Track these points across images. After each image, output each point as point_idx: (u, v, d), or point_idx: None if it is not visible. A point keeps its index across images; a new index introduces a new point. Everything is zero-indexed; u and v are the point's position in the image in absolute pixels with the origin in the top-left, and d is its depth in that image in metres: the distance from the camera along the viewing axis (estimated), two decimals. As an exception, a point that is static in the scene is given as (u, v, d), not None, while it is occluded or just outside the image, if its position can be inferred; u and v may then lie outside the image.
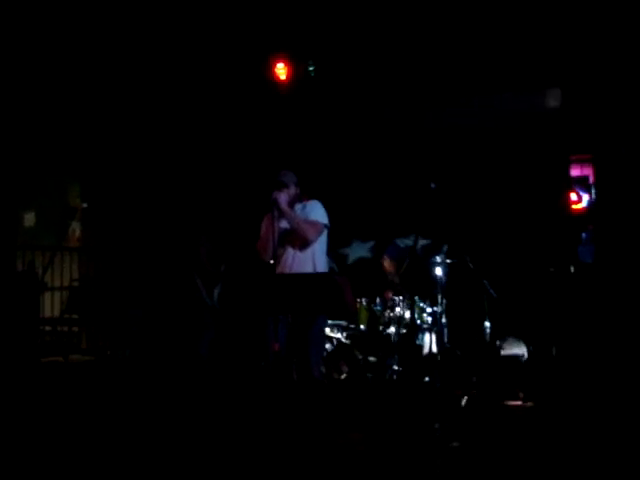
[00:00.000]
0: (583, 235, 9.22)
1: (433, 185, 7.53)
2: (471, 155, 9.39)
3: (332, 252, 7.26)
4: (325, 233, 5.87)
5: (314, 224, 5.74)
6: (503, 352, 7.99)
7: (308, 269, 5.74)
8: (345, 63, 9.29)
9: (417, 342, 7.74)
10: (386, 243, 8.47)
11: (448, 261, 7.78)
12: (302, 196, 5.96)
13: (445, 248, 8.01)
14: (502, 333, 8.03)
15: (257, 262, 5.91)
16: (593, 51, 8.45)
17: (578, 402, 6.79)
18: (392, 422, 6.36)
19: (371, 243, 8.82)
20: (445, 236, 8.16)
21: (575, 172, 9.65)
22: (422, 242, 8.11)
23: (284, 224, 5.72)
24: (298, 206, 5.87)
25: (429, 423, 6.26)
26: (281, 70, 9.34)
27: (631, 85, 8.40)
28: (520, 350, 7.93)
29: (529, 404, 7.04)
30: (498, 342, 7.92)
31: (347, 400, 7.01)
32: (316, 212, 5.81)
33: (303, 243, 5.74)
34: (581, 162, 9.65)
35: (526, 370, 7.69)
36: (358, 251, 8.86)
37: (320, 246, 5.84)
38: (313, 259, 5.77)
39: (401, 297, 7.98)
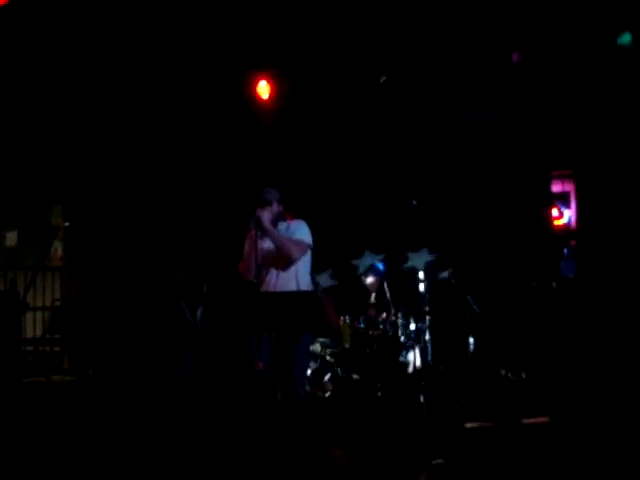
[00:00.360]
0: (565, 250, 9.27)
1: (415, 202, 7.57)
2: (453, 171, 9.45)
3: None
4: (309, 253, 5.85)
5: (298, 243, 5.73)
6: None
7: (292, 288, 5.72)
8: (333, 80, 9.32)
9: (401, 359, 7.75)
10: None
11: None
12: (286, 214, 5.95)
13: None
14: (485, 348, 8.06)
15: (240, 281, 5.89)
16: (572, 69, 8.54)
17: (560, 416, 6.81)
18: (375, 439, 6.35)
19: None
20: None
21: (556, 188, 9.73)
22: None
23: (267, 243, 5.71)
24: (282, 225, 5.86)
25: (412, 440, 6.26)
26: (263, 88, 9.37)
27: (610, 100, 8.50)
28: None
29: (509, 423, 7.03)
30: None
31: (331, 418, 6.99)
32: (300, 232, 5.80)
33: (286, 262, 5.72)
34: (562, 178, 9.73)
35: (510, 387, 7.71)
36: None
37: (304, 265, 5.82)
38: (297, 278, 5.75)
39: (384, 315, 7.99)
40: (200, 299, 8.25)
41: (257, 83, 9.39)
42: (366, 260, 8.70)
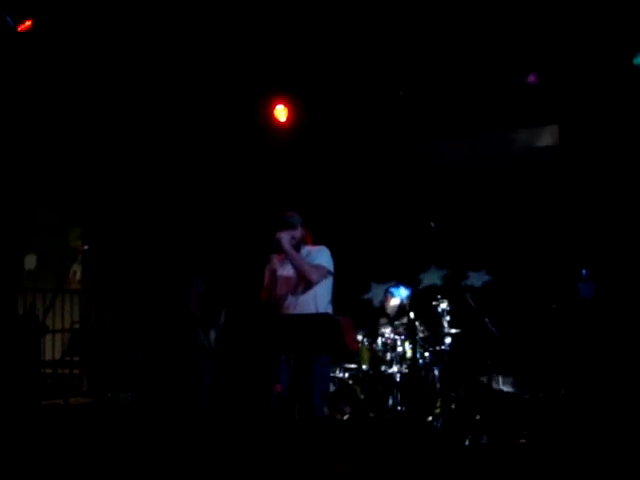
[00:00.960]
0: (583, 272, 9.22)
1: (433, 224, 7.58)
2: (470, 194, 9.46)
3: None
4: (330, 279, 5.84)
5: (318, 267, 5.71)
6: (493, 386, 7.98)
7: (310, 311, 5.72)
8: (345, 104, 9.37)
9: (419, 381, 7.73)
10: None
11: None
12: (307, 238, 5.95)
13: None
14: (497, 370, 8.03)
15: (259, 304, 5.89)
16: (588, 88, 8.56)
17: (579, 439, 6.76)
18: (389, 459, 6.32)
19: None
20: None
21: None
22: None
23: (287, 270, 5.72)
24: (304, 250, 5.86)
25: (428, 461, 6.23)
26: (281, 112, 9.43)
27: (625, 117, 8.51)
28: (508, 388, 7.93)
29: (531, 443, 6.98)
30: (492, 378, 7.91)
31: (346, 438, 6.97)
32: (321, 257, 5.79)
33: (305, 285, 5.72)
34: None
35: (527, 409, 7.66)
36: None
37: (322, 291, 5.79)
38: (315, 302, 5.74)
39: (403, 336, 7.99)
40: (211, 322, 8.23)
41: (274, 106, 9.46)
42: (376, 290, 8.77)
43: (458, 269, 8.92)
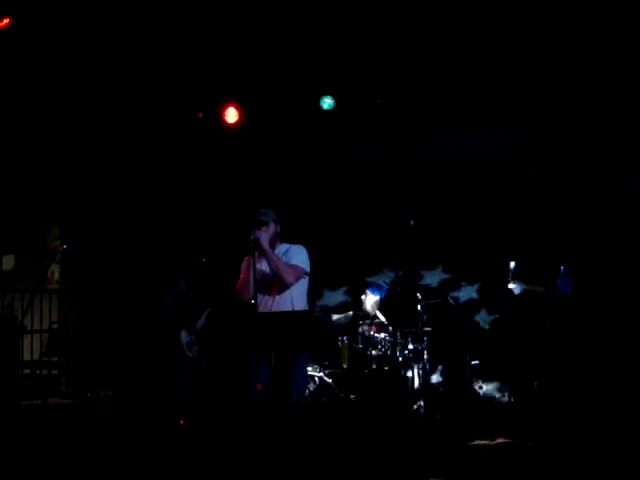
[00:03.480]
0: (562, 268, 9.26)
1: (412, 222, 7.59)
2: (450, 193, 9.48)
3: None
4: (306, 279, 5.83)
5: (294, 267, 5.70)
6: (482, 392, 8.03)
7: (287, 310, 5.72)
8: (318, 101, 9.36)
9: (399, 379, 7.74)
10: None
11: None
12: (284, 239, 5.94)
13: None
14: (485, 373, 8.06)
15: (237, 302, 5.89)
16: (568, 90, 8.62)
17: (558, 436, 6.79)
18: (370, 456, 6.32)
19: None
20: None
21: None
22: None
23: (264, 265, 5.70)
24: (281, 248, 5.84)
25: (408, 458, 6.23)
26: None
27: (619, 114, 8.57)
28: (499, 393, 7.98)
29: (508, 442, 6.99)
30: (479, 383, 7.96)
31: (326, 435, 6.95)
32: (298, 257, 5.77)
33: (281, 286, 5.70)
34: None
35: (507, 409, 7.70)
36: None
37: (299, 291, 5.78)
38: (292, 302, 5.73)
39: (383, 334, 7.99)
40: (185, 323, 8.21)
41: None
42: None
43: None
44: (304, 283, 5.84)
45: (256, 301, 5.48)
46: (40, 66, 8.87)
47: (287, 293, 5.73)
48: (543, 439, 6.80)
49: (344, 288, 9.35)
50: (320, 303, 9.01)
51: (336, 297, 9.39)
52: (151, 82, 9.26)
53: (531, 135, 9.26)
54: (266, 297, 5.73)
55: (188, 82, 9.28)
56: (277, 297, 5.74)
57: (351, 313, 8.36)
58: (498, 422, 7.39)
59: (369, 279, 8.77)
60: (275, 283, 5.73)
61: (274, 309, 5.71)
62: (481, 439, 6.83)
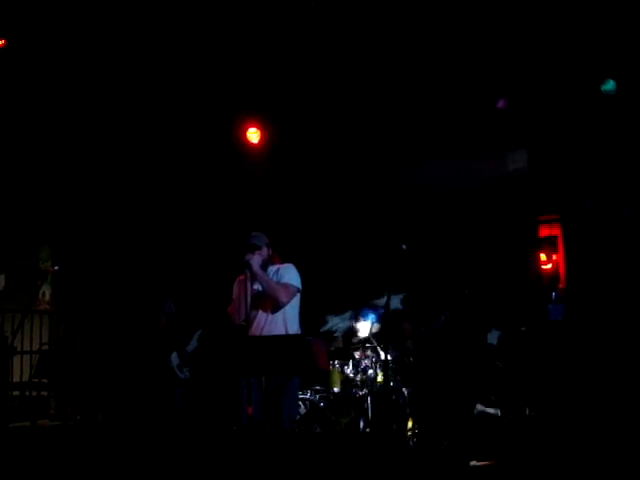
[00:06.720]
0: (553, 294, 9.30)
1: (404, 246, 7.60)
2: (441, 217, 9.51)
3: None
4: (298, 297, 5.87)
5: (286, 286, 5.74)
6: (476, 410, 7.99)
7: (280, 332, 5.73)
8: (317, 127, 9.41)
9: (390, 403, 7.72)
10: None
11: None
12: (274, 258, 5.97)
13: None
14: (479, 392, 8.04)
15: (229, 325, 5.89)
16: (557, 114, 8.66)
17: (550, 460, 6.77)
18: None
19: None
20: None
21: (544, 232, 9.78)
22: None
23: (256, 286, 5.72)
24: (272, 268, 5.87)
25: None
26: (253, 134, 9.44)
27: (596, 144, 8.61)
28: (493, 410, 7.93)
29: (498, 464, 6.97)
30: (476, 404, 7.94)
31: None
32: (289, 275, 5.82)
33: (275, 305, 5.73)
34: (549, 222, 9.79)
35: (498, 429, 7.67)
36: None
37: (292, 309, 5.83)
38: (285, 322, 5.76)
39: (374, 359, 7.98)
40: (176, 345, 8.20)
41: (247, 128, 9.47)
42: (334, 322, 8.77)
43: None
44: (296, 303, 5.87)
45: (248, 322, 5.50)
46: (34, 85, 8.88)
47: (280, 313, 5.75)
48: (530, 458, 6.80)
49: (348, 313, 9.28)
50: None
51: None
52: (150, 99, 9.25)
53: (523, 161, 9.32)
54: (260, 314, 5.75)
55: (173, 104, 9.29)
56: (270, 316, 5.76)
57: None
58: (492, 441, 7.37)
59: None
60: (268, 303, 5.76)
61: (266, 329, 5.73)
62: (478, 460, 6.83)
